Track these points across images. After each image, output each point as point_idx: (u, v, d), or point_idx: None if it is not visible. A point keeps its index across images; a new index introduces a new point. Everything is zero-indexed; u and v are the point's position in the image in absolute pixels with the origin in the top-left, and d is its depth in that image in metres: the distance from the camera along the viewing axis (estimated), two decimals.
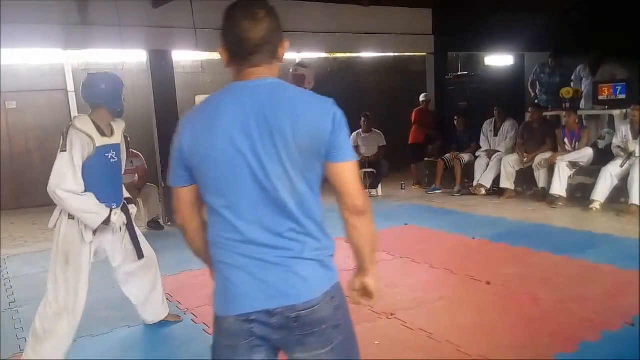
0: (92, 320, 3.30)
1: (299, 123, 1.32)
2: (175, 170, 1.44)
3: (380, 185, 7.81)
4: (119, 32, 5.82)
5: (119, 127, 3.02)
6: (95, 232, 2.86)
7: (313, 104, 1.39)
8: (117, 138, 2.98)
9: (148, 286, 3.24)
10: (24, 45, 6.26)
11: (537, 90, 8.13)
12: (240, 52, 1.37)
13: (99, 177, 2.83)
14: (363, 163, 7.84)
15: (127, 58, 8.58)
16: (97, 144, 2.81)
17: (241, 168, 1.33)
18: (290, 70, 3.85)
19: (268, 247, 1.36)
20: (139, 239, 3.12)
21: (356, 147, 7.99)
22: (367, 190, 7.73)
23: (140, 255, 3.10)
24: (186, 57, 8.76)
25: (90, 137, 2.79)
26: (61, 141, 2.76)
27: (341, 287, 1.48)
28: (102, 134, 2.87)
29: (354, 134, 8.05)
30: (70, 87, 8.47)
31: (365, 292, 1.57)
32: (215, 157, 1.34)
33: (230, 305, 1.40)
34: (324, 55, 10.02)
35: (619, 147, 6.02)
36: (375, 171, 7.82)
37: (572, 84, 7.72)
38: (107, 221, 2.84)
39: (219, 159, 1.34)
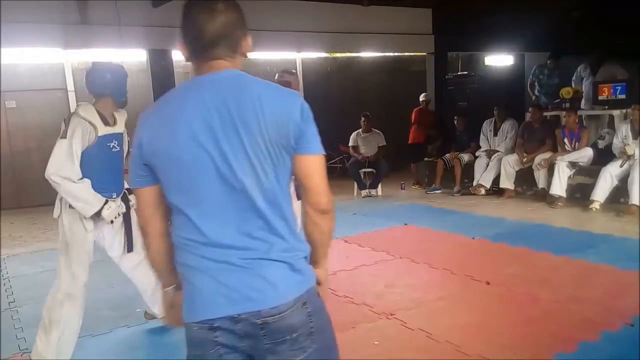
0: (93, 320, 3.30)
1: (266, 115, 1.27)
2: (135, 170, 1.38)
3: (380, 185, 7.81)
4: (118, 32, 5.83)
5: (121, 117, 3.03)
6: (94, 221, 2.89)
7: (279, 95, 1.33)
8: (120, 128, 2.99)
9: (153, 278, 3.20)
10: (24, 44, 6.27)
11: (536, 91, 8.13)
12: (198, 46, 1.33)
13: (101, 165, 2.86)
14: (363, 163, 7.84)
15: (127, 57, 8.57)
16: (100, 133, 2.83)
17: (205, 165, 1.28)
18: (276, 77, 3.85)
19: (233, 249, 1.30)
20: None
21: (356, 147, 8.00)
22: (367, 190, 7.74)
23: (130, 247, 3.09)
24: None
25: (93, 125, 2.80)
26: (62, 128, 2.77)
27: (317, 293, 1.41)
28: (106, 123, 2.88)
29: (354, 133, 8.06)
30: (70, 86, 8.47)
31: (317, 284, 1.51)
32: (177, 155, 1.29)
33: (193, 311, 1.33)
34: (324, 55, 10.03)
35: (620, 150, 6.01)
36: (375, 171, 7.82)
37: (572, 84, 7.72)
38: (98, 213, 2.84)
39: (181, 157, 1.29)
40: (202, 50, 1.33)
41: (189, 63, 1.39)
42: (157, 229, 1.42)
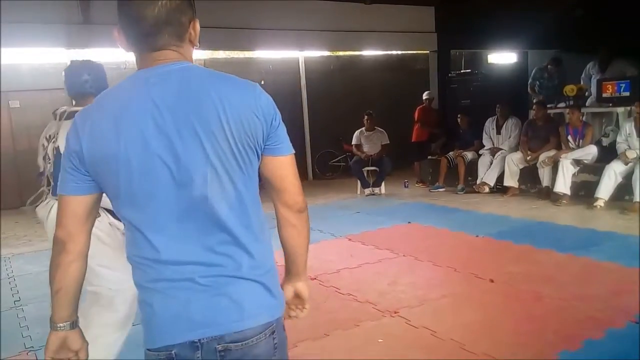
0: None
1: (228, 112, 1.11)
2: (68, 175, 1.18)
3: (383, 184, 7.81)
4: None
5: None
6: None
7: (241, 88, 1.17)
8: None
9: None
10: (27, 44, 6.29)
11: (537, 92, 8.12)
12: (138, 35, 1.15)
13: None
14: (366, 161, 7.84)
15: (129, 57, 8.59)
16: None
17: (158, 173, 1.11)
18: None
19: (195, 265, 1.14)
20: None
21: (359, 145, 7.99)
22: (371, 188, 7.73)
23: None
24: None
25: None
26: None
27: (283, 327, 1.26)
28: None
29: (357, 132, 8.06)
30: None
31: (298, 301, 1.38)
32: (126, 162, 1.11)
33: (151, 337, 1.17)
34: (326, 53, 10.02)
35: (621, 152, 5.99)
36: (379, 169, 7.81)
37: (581, 81, 7.70)
38: None
39: (130, 164, 1.11)
40: (143, 40, 1.15)
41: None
42: (80, 247, 1.21)
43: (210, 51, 8.99)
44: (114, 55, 8.34)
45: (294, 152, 1.25)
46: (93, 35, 6.06)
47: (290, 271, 1.35)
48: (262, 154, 1.19)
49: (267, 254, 1.23)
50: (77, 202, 1.19)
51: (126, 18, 1.15)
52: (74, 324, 1.26)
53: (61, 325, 1.24)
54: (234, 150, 1.13)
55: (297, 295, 1.37)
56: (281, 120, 1.21)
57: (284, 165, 1.22)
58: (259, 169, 1.21)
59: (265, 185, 1.25)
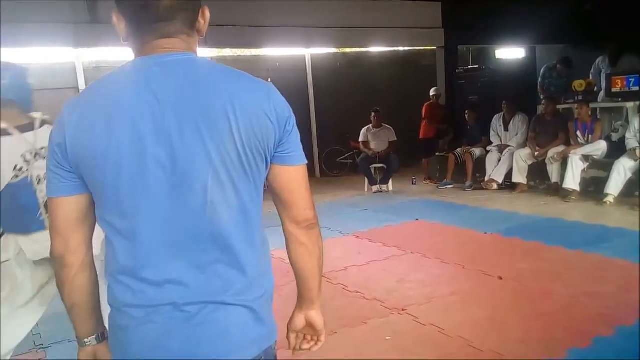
0: None
1: (237, 112, 0.98)
2: (54, 174, 1.04)
3: (391, 181, 7.79)
4: None
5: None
6: None
7: (253, 87, 1.04)
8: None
9: None
10: (35, 44, 6.34)
11: (546, 90, 8.07)
12: (145, 20, 1.00)
13: None
14: (373, 158, 7.82)
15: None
16: None
17: (150, 175, 0.98)
18: None
19: (179, 286, 1.01)
20: None
21: (366, 143, 7.98)
22: (378, 185, 7.72)
23: None
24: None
25: None
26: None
27: (275, 355, 1.13)
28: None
29: (364, 129, 8.04)
30: (82, 85, 8.52)
31: (312, 331, 1.23)
32: (115, 160, 0.97)
33: None
34: (333, 50, 10.00)
35: (630, 148, 5.94)
36: (386, 166, 7.79)
37: (590, 76, 7.64)
38: None
39: (120, 163, 0.97)
40: (151, 26, 1.01)
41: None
42: (82, 258, 1.09)
43: (217, 49, 9.00)
44: (122, 54, 8.39)
45: (306, 162, 1.12)
46: (100, 34, 6.08)
47: (302, 296, 1.20)
48: (271, 162, 1.06)
49: (265, 274, 1.10)
50: (68, 204, 1.04)
51: (132, 2, 1.02)
52: (101, 337, 1.16)
53: (87, 340, 1.15)
54: (241, 156, 1.00)
55: (310, 325, 1.22)
56: (295, 125, 1.09)
57: (294, 177, 1.09)
58: (266, 179, 1.09)
59: (273, 198, 1.13)
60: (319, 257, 1.16)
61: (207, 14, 1.08)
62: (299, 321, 1.21)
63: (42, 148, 1.98)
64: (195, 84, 1.00)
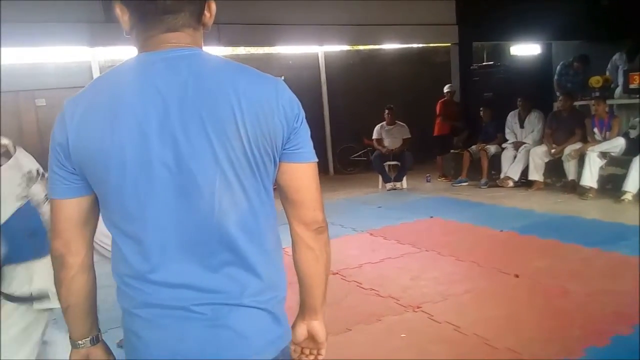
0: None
1: (244, 109, 0.95)
2: (53, 175, 1.01)
3: (405, 178, 7.76)
4: None
5: None
6: None
7: (261, 82, 1.00)
8: None
9: None
10: (51, 43, 6.41)
11: (562, 88, 7.98)
12: (151, 12, 0.97)
13: None
14: (387, 156, 7.80)
15: None
16: None
17: (157, 176, 0.95)
18: None
19: (192, 290, 0.98)
20: None
21: (380, 140, 7.95)
22: (392, 182, 7.69)
23: None
24: (209, 53, 8.85)
25: None
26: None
27: (290, 355, 1.11)
28: None
29: (378, 126, 8.01)
30: None
31: (313, 344, 1.17)
32: (119, 161, 0.94)
33: None
34: (346, 48, 9.98)
35: None
36: (400, 163, 7.76)
37: (607, 72, 7.53)
38: None
39: (124, 164, 0.94)
40: (157, 19, 0.97)
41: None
42: (81, 259, 1.06)
43: (231, 47, 9.02)
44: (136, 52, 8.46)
45: (316, 160, 1.07)
46: (116, 33, 6.12)
47: (304, 304, 1.13)
48: (279, 160, 1.03)
49: (279, 276, 1.07)
50: (70, 206, 1.02)
51: None
52: (95, 340, 1.14)
53: (80, 342, 1.12)
54: (248, 154, 0.96)
55: (311, 337, 1.16)
56: (305, 122, 1.04)
57: (303, 175, 1.04)
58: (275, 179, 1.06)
59: (280, 198, 1.08)
60: (326, 264, 1.11)
61: (213, 7, 1.04)
62: (301, 332, 1.15)
63: (28, 172, 1.91)
64: (201, 80, 0.96)
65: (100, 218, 1.07)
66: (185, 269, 0.98)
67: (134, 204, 0.96)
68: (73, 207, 1.02)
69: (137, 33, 1.01)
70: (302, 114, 1.04)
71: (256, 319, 1.01)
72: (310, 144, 1.06)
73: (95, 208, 1.05)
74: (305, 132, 1.04)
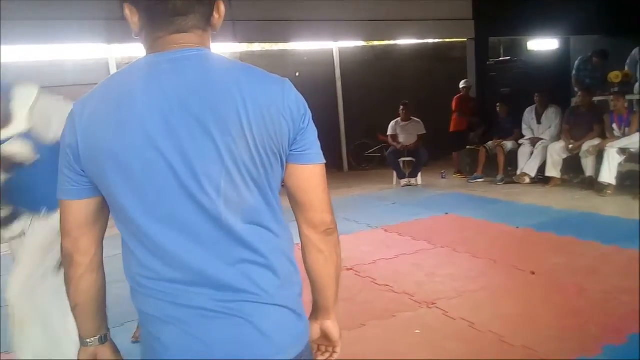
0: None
1: (249, 110, 0.95)
2: (62, 176, 1.02)
3: (420, 174, 7.73)
4: None
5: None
6: None
7: (266, 82, 1.00)
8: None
9: None
10: (69, 41, 6.50)
11: (581, 83, 7.87)
12: (162, 13, 0.97)
13: None
14: (402, 152, 7.77)
15: None
16: None
17: (162, 177, 0.94)
18: None
19: (208, 288, 0.97)
20: None
21: (395, 136, 7.93)
22: (407, 179, 7.67)
23: None
24: (224, 50, 8.88)
25: None
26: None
27: (310, 348, 1.11)
28: None
29: (393, 122, 7.99)
30: None
31: (327, 342, 1.18)
32: (125, 162, 0.94)
33: None
34: (361, 43, 9.95)
35: None
36: (415, 160, 7.73)
37: (626, 67, 7.41)
38: None
39: (130, 165, 0.94)
40: (168, 20, 0.98)
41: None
42: (90, 259, 1.06)
43: (246, 44, 9.05)
44: None
45: (324, 162, 1.06)
46: (132, 31, 6.20)
47: (317, 305, 1.14)
48: (286, 162, 1.02)
49: (294, 272, 1.07)
50: (78, 208, 1.02)
51: None
52: (104, 338, 1.14)
53: (89, 341, 1.12)
54: (253, 155, 0.96)
55: (325, 336, 1.17)
56: (312, 122, 1.04)
57: (310, 177, 1.04)
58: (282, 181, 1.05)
59: (289, 200, 1.08)
60: (337, 265, 1.10)
61: (222, 8, 1.04)
62: (314, 331, 1.15)
63: None
64: (206, 81, 0.96)
65: None
66: (199, 267, 0.97)
67: (142, 205, 0.96)
68: (81, 209, 1.03)
69: (146, 34, 1.01)
70: (309, 114, 1.03)
71: (278, 316, 1.00)
72: (318, 145, 1.05)
73: (104, 208, 1.05)
74: (312, 133, 1.04)
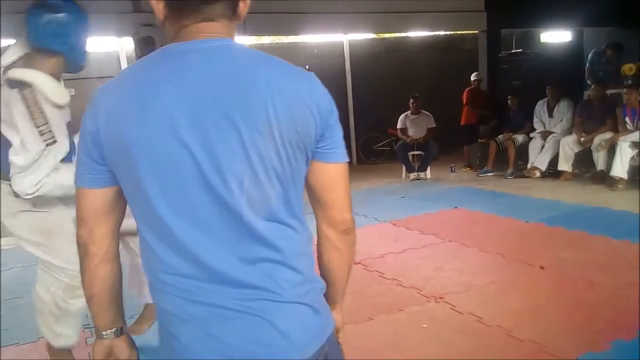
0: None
1: (277, 105, 0.92)
2: (84, 164, 1.00)
3: (429, 168, 7.70)
4: None
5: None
6: None
7: (295, 77, 0.98)
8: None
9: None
10: None
11: (594, 76, 7.78)
12: (189, 0, 0.96)
13: None
14: (411, 145, 7.74)
15: None
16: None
17: (185, 169, 0.92)
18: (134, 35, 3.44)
19: (229, 286, 0.95)
20: None
21: (404, 129, 7.89)
22: (416, 172, 7.64)
23: None
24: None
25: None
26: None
27: (336, 340, 1.10)
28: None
29: (403, 115, 7.95)
30: None
31: None
32: (148, 153, 0.92)
33: None
34: (371, 36, 9.89)
35: None
36: (424, 153, 7.70)
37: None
38: None
39: (153, 155, 0.92)
40: (195, 8, 0.96)
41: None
42: (105, 249, 1.05)
43: (255, 37, 9.04)
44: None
45: (348, 160, 1.05)
46: (142, 23, 6.21)
47: (325, 295, 1.14)
48: (311, 159, 1.00)
49: (311, 266, 1.05)
50: (95, 196, 1.01)
51: None
52: (120, 331, 1.13)
53: (105, 333, 1.12)
54: (280, 152, 0.94)
55: None
56: (338, 121, 1.02)
57: (335, 175, 1.03)
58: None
59: (309, 197, 1.06)
60: (350, 262, 1.12)
61: None
62: None
63: None
64: (234, 73, 0.94)
65: None
66: (220, 264, 0.95)
67: (163, 196, 0.94)
68: (98, 198, 1.01)
69: (171, 22, 0.98)
70: (336, 111, 1.02)
71: (298, 314, 0.99)
72: (343, 143, 1.04)
73: (121, 199, 1.03)
74: (339, 130, 1.02)
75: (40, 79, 1.99)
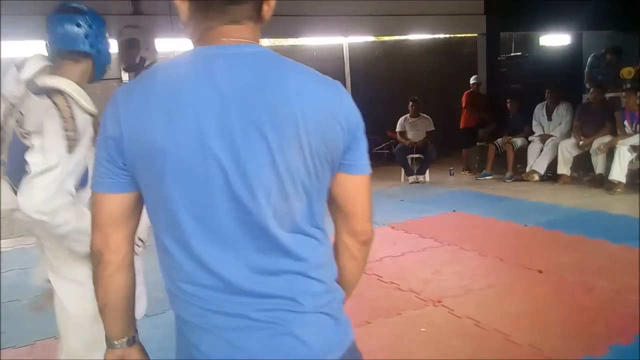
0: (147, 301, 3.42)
1: (307, 115, 0.91)
2: (104, 169, 0.97)
3: (428, 171, 7.70)
4: (170, 21, 5.96)
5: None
6: None
7: (324, 88, 0.97)
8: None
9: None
10: None
11: (593, 80, 7.79)
12: (215, 1, 0.93)
13: None
14: (410, 148, 7.74)
15: (179, 47, 8.78)
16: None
17: (213, 179, 0.90)
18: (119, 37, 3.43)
19: (251, 297, 0.94)
20: None
21: (403, 133, 7.90)
22: (415, 176, 7.64)
23: None
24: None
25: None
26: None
27: (357, 349, 1.07)
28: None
29: (402, 118, 7.95)
30: (125, 77, 8.75)
31: None
32: (174, 160, 0.90)
33: None
34: (371, 39, 9.90)
35: None
36: (423, 157, 7.70)
37: (639, 63, 7.33)
38: None
39: (180, 163, 0.90)
40: (221, 9, 0.93)
41: None
42: (121, 257, 1.02)
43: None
44: (163, 45, 8.55)
45: (371, 172, 1.05)
46: (143, 25, 6.22)
47: None
48: (337, 170, 1.00)
49: (333, 275, 1.05)
50: (113, 201, 0.98)
51: None
52: (132, 340, 1.11)
53: (117, 342, 1.09)
54: (307, 163, 0.92)
55: None
56: (364, 132, 1.02)
57: (359, 186, 1.03)
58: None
59: (329, 206, 1.05)
60: (363, 269, 1.14)
61: (273, 1, 0.99)
62: None
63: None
64: (262, 82, 0.91)
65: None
66: (242, 274, 0.94)
67: (186, 207, 0.92)
68: (116, 203, 0.98)
69: (195, 24, 0.96)
70: (362, 123, 1.01)
71: (318, 324, 0.98)
72: (367, 155, 1.04)
73: (139, 205, 1.01)
74: (364, 143, 1.02)
75: (71, 86, 1.94)
